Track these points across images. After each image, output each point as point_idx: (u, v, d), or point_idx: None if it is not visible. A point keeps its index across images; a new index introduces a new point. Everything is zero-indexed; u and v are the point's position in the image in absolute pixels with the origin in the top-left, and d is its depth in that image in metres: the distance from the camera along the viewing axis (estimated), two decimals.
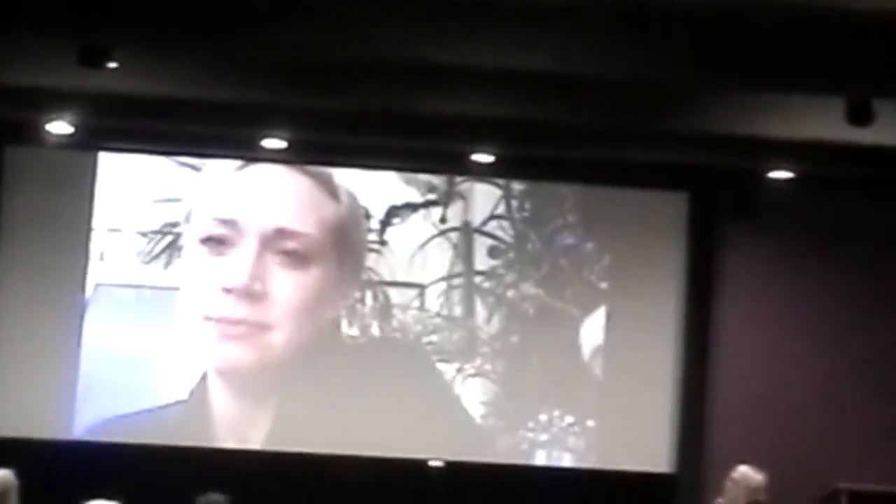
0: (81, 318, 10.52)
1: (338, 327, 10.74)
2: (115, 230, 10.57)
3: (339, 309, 10.71)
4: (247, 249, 10.46)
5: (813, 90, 7.70)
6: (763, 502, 7.57)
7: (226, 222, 10.51)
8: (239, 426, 10.59)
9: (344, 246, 10.63)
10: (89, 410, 10.52)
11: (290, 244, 10.49)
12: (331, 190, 10.61)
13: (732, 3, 6.46)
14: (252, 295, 10.44)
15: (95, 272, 10.55)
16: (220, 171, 10.56)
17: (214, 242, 10.48)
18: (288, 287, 10.49)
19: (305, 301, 10.52)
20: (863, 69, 7.05)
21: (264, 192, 10.54)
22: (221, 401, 10.56)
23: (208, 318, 10.45)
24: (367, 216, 10.73)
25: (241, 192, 10.55)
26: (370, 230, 10.75)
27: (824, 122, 8.26)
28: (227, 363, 10.54)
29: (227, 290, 10.43)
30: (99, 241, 10.55)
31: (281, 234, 10.49)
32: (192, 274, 10.51)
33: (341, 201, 10.63)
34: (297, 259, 10.51)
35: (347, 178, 10.64)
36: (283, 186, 10.56)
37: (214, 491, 7.83)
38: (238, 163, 10.52)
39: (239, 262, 10.45)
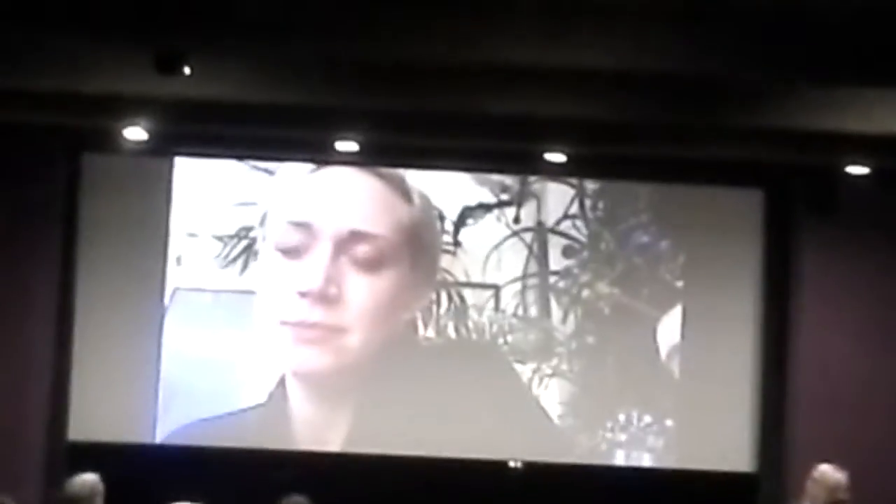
0: (161, 322, 10.62)
1: (414, 329, 10.76)
2: (192, 235, 10.66)
3: (413, 311, 10.73)
4: (321, 253, 10.52)
5: (888, 84, 7.61)
6: (845, 501, 7.49)
7: (300, 226, 10.57)
8: (317, 429, 10.65)
9: (417, 248, 10.66)
10: (171, 414, 10.62)
11: (364, 247, 10.54)
12: (403, 192, 10.64)
13: None
14: (327, 299, 10.49)
15: (174, 277, 10.64)
16: (294, 175, 10.62)
17: (289, 248, 10.55)
18: (362, 290, 10.53)
19: (379, 304, 10.56)
20: None
21: (337, 195, 10.59)
22: (299, 404, 10.62)
23: (285, 323, 10.52)
24: (441, 218, 10.75)
25: (315, 195, 10.60)
26: (444, 231, 10.78)
27: None
28: (304, 367, 10.60)
29: (303, 294, 10.49)
30: (176, 245, 10.64)
31: (355, 236, 10.54)
32: (268, 278, 10.58)
33: (414, 203, 10.66)
34: (372, 262, 10.55)
35: (420, 179, 10.67)
36: (356, 189, 10.61)
37: (294, 493, 7.89)
38: (311, 166, 10.58)
39: (314, 266, 10.51)
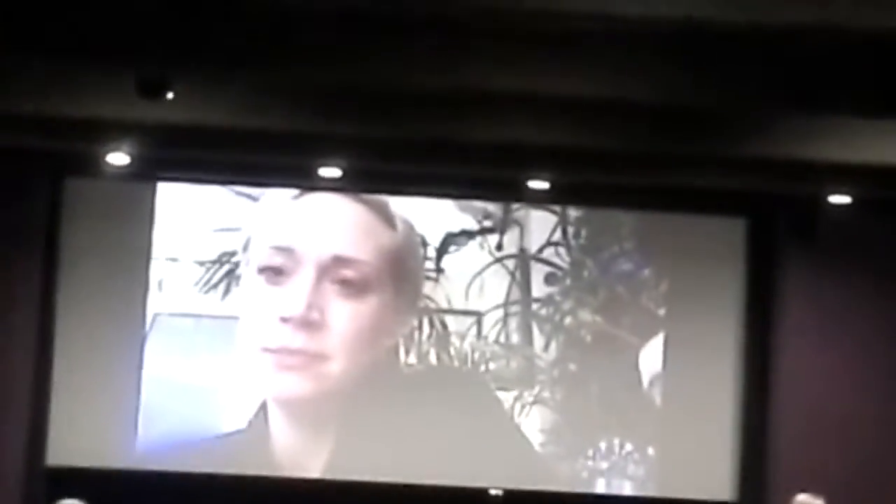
0: (142, 347, 10.59)
1: (396, 355, 10.74)
2: (173, 259, 10.64)
3: (395, 337, 10.71)
4: (304, 278, 10.50)
5: (870, 113, 7.64)
6: None
7: (283, 250, 10.56)
8: (298, 455, 10.61)
9: (401, 274, 10.64)
10: (151, 439, 10.58)
11: (348, 272, 10.52)
12: (387, 218, 10.63)
13: (787, 27, 6.43)
14: (310, 324, 10.47)
15: (155, 302, 10.62)
16: (277, 200, 10.61)
17: (272, 272, 10.53)
18: (345, 316, 10.51)
19: (362, 330, 10.54)
20: None
21: (321, 221, 10.58)
22: (280, 429, 10.58)
23: (266, 350, 10.49)
24: (424, 244, 10.75)
25: (298, 220, 10.59)
26: (426, 258, 10.77)
27: (883, 146, 8.21)
28: (284, 393, 10.56)
29: (285, 320, 10.47)
30: (158, 270, 10.62)
31: (338, 261, 10.52)
32: (250, 304, 10.56)
33: (397, 229, 10.65)
34: (355, 287, 10.53)
35: (403, 206, 10.66)
36: (340, 215, 10.59)
37: None
38: (294, 192, 10.57)
39: (296, 292, 10.49)
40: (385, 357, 10.70)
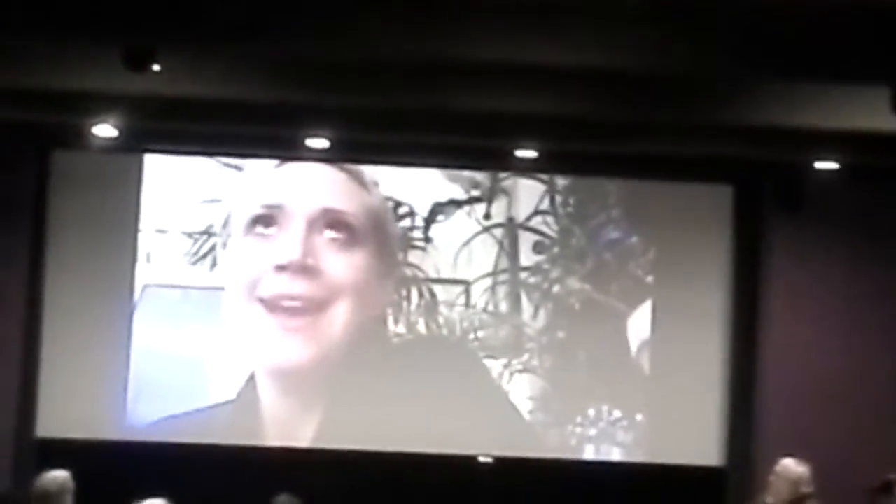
0: (130, 319, 10.60)
1: (384, 325, 10.76)
2: (161, 231, 10.64)
3: (381, 301, 10.71)
4: (295, 229, 10.50)
5: (857, 80, 7.64)
6: (809, 494, 7.51)
7: (272, 207, 10.56)
8: (287, 424, 10.64)
9: (380, 236, 10.66)
10: (140, 411, 10.60)
11: (337, 223, 10.54)
12: (361, 182, 10.65)
13: None
14: (307, 270, 10.47)
15: (143, 273, 10.62)
16: (260, 169, 10.60)
17: (262, 224, 10.50)
18: (340, 264, 10.52)
19: (355, 279, 10.54)
20: None
21: (305, 182, 10.58)
22: (269, 400, 10.61)
23: (262, 300, 10.44)
24: (411, 214, 10.73)
25: (283, 183, 10.59)
26: (414, 227, 10.78)
27: (869, 112, 8.22)
28: (278, 361, 10.56)
29: (282, 268, 10.46)
30: (146, 242, 10.62)
31: (327, 212, 10.55)
32: (241, 263, 10.51)
33: (372, 193, 10.67)
34: (345, 239, 10.55)
35: (379, 174, 10.66)
36: (323, 176, 10.59)
37: (263, 489, 7.88)
38: (276, 161, 10.56)
39: (290, 240, 10.49)
40: (374, 326, 10.72)
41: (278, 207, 10.54)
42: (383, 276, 10.67)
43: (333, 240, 10.54)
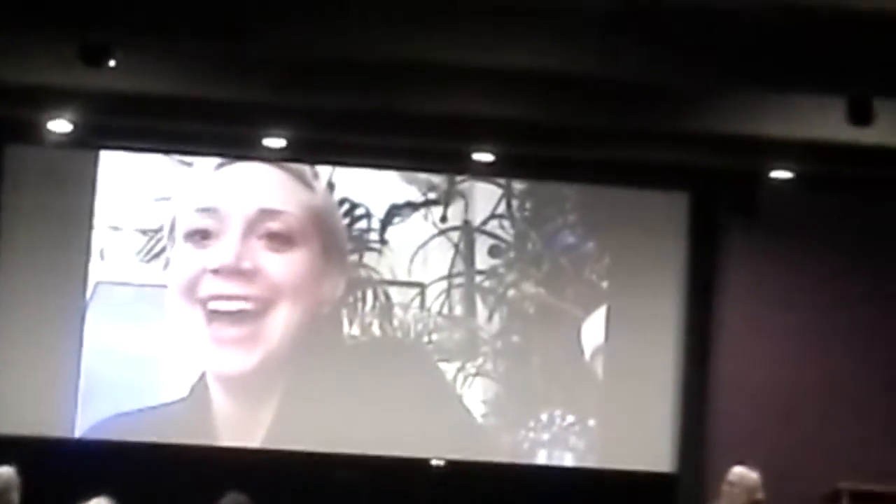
0: (83, 316, 10.54)
1: (338, 326, 10.74)
2: (115, 228, 10.58)
3: (330, 302, 10.68)
4: (231, 233, 10.48)
5: (813, 90, 7.69)
6: (762, 501, 7.56)
7: (207, 211, 10.53)
8: (239, 424, 10.60)
9: (324, 232, 10.63)
10: (91, 408, 10.54)
11: (274, 224, 10.52)
12: (304, 181, 10.63)
13: (732, 2, 6.46)
14: (241, 273, 10.45)
15: (96, 270, 10.56)
16: (201, 171, 10.56)
17: (198, 235, 10.49)
18: (276, 266, 10.49)
19: (295, 280, 10.52)
20: (863, 69, 7.04)
21: (243, 182, 10.54)
22: (221, 400, 10.57)
23: (201, 303, 10.41)
24: (368, 215, 10.73)
25: (221, 186, 10.55)
26: (370, 229, 10.77)
27: (825, 122, 8.27)
28: (222, 368, 10.52)
29: (216, 272, 10.44)
30: (99, 239, 10.57)
31: (263, 213, 10.52)
32: (180, 266, 10.48)
33: (316, 191, 10.65)
34: (282, 239, 10.53)
35: (335, 175, 10.64)
36: (261, 176, 10.56)
37: (213, 488, 7.84)
38: (217, 160, 10.53)
39: (225, 244, 10.47)
40: (327, 327, 10.70)
41: (214, 211, 10.50)
42: (329, 275, 10.64)
43: (271, 242, 10.50)
